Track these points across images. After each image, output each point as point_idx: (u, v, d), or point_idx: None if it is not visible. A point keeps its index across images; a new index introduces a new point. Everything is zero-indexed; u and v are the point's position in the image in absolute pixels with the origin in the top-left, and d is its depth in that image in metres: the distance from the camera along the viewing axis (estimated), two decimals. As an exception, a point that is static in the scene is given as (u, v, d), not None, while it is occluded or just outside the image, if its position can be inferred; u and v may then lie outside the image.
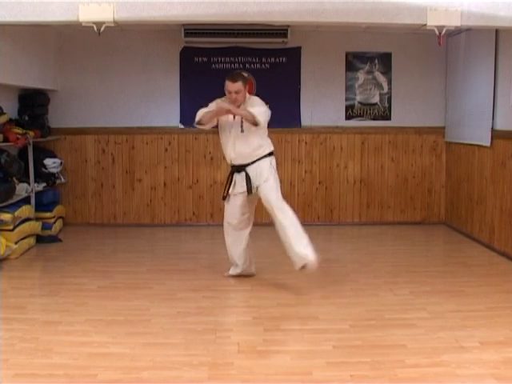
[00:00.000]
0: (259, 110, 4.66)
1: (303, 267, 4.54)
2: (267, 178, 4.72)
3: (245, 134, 4.72)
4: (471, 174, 6.60)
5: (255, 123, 4.60)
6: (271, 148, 4.85)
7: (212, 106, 4.78)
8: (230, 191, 4.88)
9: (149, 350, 3.54)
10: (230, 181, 4.89)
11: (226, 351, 3.54)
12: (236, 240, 4.96)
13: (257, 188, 4.75)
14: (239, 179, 4.81)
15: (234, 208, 4.89)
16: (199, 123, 4.78)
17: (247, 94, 4.79)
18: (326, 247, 6.56)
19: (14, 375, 3.16)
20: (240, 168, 4.81)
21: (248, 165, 4.78)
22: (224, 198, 4.95)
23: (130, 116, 7.23)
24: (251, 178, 4.76)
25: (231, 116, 4.72)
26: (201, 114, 4.75)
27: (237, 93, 4.66)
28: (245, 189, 4.75)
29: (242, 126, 4.71)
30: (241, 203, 4.86)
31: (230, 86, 4.67)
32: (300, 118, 7.29)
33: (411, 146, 7.43)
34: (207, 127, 4.84)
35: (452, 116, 7.19)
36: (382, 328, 3.91)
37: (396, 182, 7.46)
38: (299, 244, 4.54)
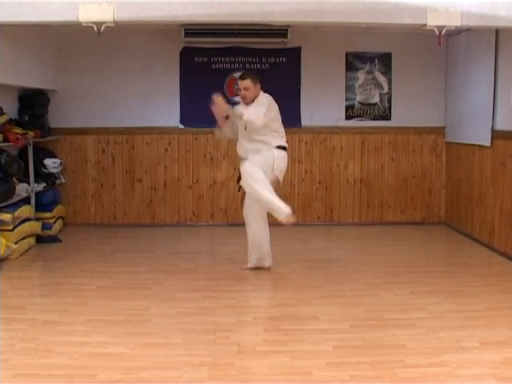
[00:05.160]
0: (253, 112, 4.84)
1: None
2: (258, 161, 4.94)
3: (247, 131, 4.97)
4: (471, 174, 6.60)
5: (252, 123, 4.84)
6: (278, 143, 5.07)
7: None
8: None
9: (149, 350, 3.54)
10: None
11: (226, 351, 3.53)
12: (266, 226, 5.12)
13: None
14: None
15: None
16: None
17: (261, 92, 5.03)
18: (326, 247, 6.57)
19: (14, 375, 3.16)
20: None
21: None
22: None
23: (130, 116, 7.23)
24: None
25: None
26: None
27: (245, 89, 4.96)
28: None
29: (245, 125, 4.95)
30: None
31: (240, 82, 5.03)
32: (300, 118, 7.28)
33: (411, 146, 7.43)
34: (227, 134, 5.23)
35: (452, 116, 7.19)
36: (382, 328, 3.90)
37: (396, 182, 7.45)
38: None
